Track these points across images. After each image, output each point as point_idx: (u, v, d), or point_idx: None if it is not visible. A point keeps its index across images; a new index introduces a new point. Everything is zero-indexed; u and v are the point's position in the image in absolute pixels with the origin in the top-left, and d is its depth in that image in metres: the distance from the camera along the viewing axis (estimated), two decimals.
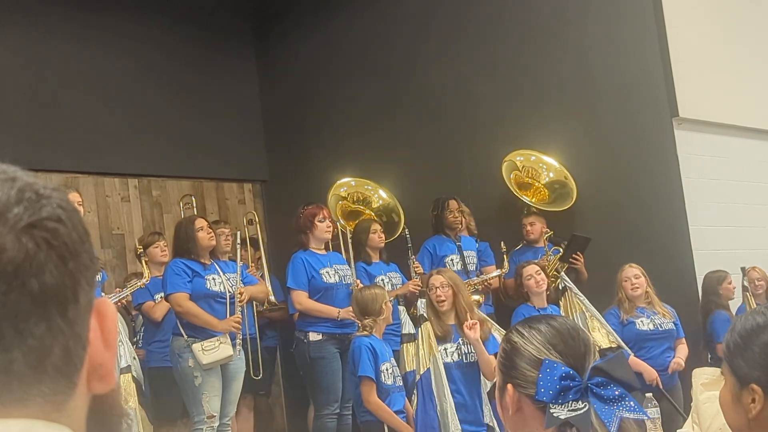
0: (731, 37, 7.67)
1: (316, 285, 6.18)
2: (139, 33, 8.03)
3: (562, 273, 6.40)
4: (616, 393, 1.63)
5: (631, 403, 1.65)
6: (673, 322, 6.29)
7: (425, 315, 5.26)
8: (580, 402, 1.62)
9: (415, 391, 5.15)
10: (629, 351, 5.83)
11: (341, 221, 7.36)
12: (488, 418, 5.33)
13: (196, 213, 7.06)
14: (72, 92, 7.59)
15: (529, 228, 6.90)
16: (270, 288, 6.68)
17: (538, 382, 1.64)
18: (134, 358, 5.29)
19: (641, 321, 6.17)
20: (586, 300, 6.12)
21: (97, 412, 0.75)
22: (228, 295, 5.76)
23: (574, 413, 1.61)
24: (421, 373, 5.13)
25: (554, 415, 1.61)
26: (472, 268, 6.80)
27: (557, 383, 1.61)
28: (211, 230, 5.91)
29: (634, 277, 6.25)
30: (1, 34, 7.25)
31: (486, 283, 6.71)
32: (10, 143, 6.78)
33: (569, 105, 7.13)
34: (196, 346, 5.52)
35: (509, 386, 1.70)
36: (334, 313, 5.99)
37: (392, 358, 5.39)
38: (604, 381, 1.64)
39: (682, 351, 6.27)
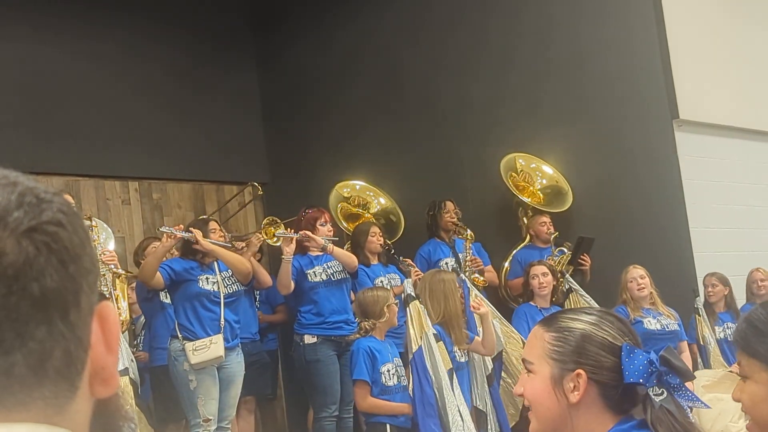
0: (732, 39, 7.67)
1: (302, 286, 6.23)
2: (140, 38, 8.04)
3: (567, 275, 6.41)
4: (677, 381, 1.68)
5: (689, 392, 1.71)
6: (677, 324, 6.29)
7: (413, 294, 5.22)
8: (657, 388, 1.67)
9: (408, 371, 5.10)
10: None
11: (343, 224, 7.37)
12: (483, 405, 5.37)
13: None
14: (72, 96, 7.59)
15: (539, 228, 6.90)
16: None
17: (623, 367, 1.66)
18: (132, 361, 5.29)
19: (648, 321, 6.15)
20: (593, 300, 6.12)
21: (100, 415, 0.75)
22: (222, 294, 5.75)
23: (658, 398, 1.66)
24: (414, 351, 5.09)
25: (655, 397, 1.66)
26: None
27: (647, 367, 1.64)
28: (222, 233, 5.96)
29: (639, 277, 6.23)
30: (2, 39, 7.25)
31: (475, 263, 6.68)
32: (10, 146, 6.79)
33: (569, 107, 7.14)
34: (189, 346, 5.52)
35: (582, 371, 1.69)
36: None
37: (395, 359, 5.37)
38: (667, 369, 1.67)
39: (687, 361, 6.25)
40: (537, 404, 1.74)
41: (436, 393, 4.99)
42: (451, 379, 5.10)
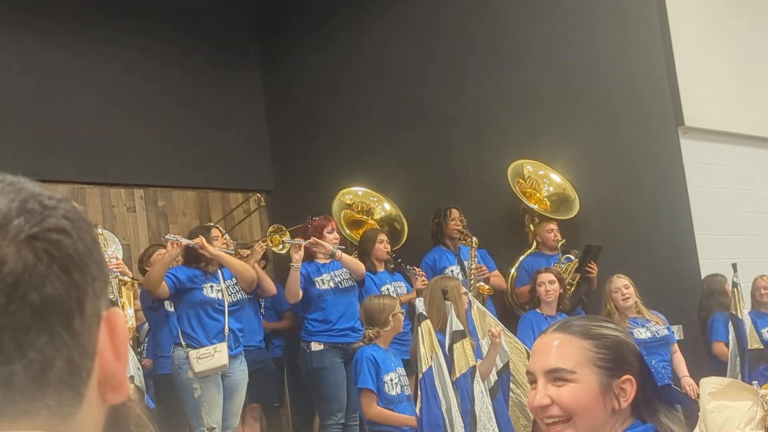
0: (736, 46, 7.67)
1: (310, 293, 6.22)
2: (145, 45, 8.06)
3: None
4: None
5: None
6: (667, 328, 6.27)
7: (424, 313, 5.20)
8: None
9: (419, 391, 5.08)
10: None
11: (347, 231, 7.36)
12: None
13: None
14: (78, 103, 7.61)
15: (546, 235, 6.88)
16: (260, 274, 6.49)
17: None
18: (138, 369, 5.28)
19: (638, 331, 6.08)
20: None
21: (114, 423, 0.74)
22: (226, 302, 5.75)
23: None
24: (423, 371, 5.06)
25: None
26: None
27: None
28: (226, 241, 5.95)
29: (624, 287, 6.17)
30: (8, 46, 7.28)
31: (480, 271, 6.66)
32: (17, 154, 6.80)
33: (575, 115, 7.14)
34: (193, 353, 5.52)
35: (631, 377, 1.73)
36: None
37: (399, 368, 5.34)
38: None
39: (680, 362, 6.24)
40: (582, 412, 1.72)
41: (444, 415, 4.96)
42: (472, 377, 5.05)
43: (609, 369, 1.72)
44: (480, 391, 5.05)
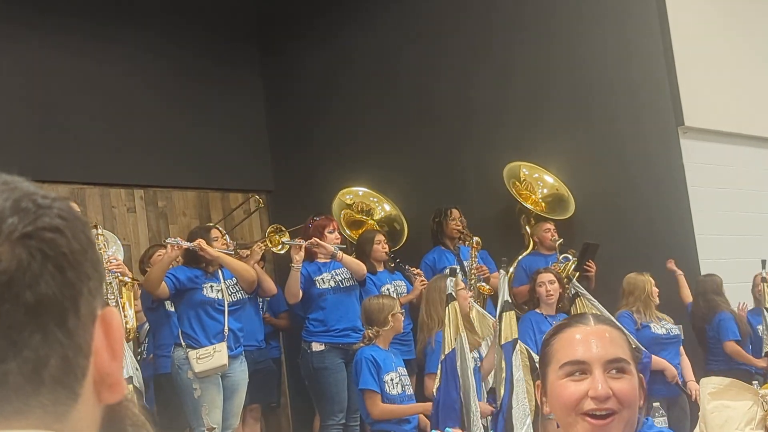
0: (737, 46, 7.67)
1: (310, 292, 6.22)
2: (145, 46, 8.06)
3: (573, 280, 6.38)
4: None
5: None
6: (678, 328, 6.33)
7: (453, 294, 5.18)
8: None
9: (438, 372, 5.05)
10: (648, 352, 5.81)
11: (347, 232, 7.37)
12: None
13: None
14: (79, 104, 7.61)
15: (543, 235, 6.89)
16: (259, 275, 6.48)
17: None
18: (136, 369, 5.27)
19: (654, 326, 6.19)
20: (600, 305, 6.10)
21: (111, 422, 0.74)
22: (226, 302, 5.75)
23: None
24: (446, 353, 5.02)
25: None
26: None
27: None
28: (225, 241, 5.95)
29: (656, 286, 6.29)
30: (8, 47, 7.28)
31: (481, 271, 6.66)
32: (16, 154, 6.80)
33: (575, 114, 7.14)
34: (192, 354, 5.51)
35: (642, 377, 1.74)
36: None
37: (400, 368, 5.34)
38: None
39: (687, 366, 6.28)
40: (633, 406, 1.69)
41: (462, 398, 4.94)
42: (514, 347, 5.06)
43: (636, 367, 1.73)
44: (519, 364, 5.05)
